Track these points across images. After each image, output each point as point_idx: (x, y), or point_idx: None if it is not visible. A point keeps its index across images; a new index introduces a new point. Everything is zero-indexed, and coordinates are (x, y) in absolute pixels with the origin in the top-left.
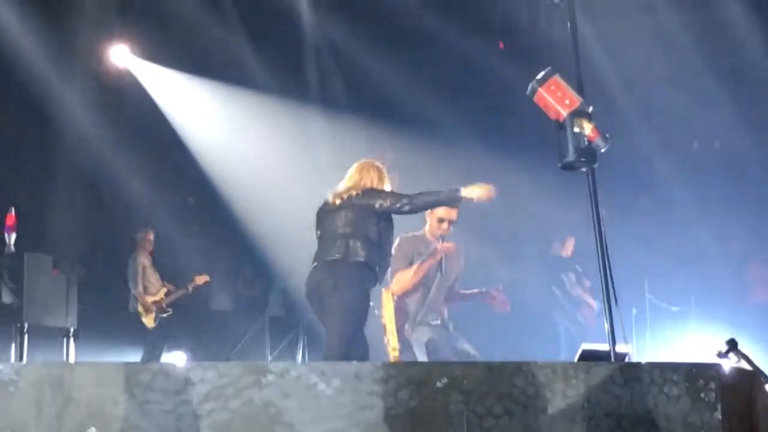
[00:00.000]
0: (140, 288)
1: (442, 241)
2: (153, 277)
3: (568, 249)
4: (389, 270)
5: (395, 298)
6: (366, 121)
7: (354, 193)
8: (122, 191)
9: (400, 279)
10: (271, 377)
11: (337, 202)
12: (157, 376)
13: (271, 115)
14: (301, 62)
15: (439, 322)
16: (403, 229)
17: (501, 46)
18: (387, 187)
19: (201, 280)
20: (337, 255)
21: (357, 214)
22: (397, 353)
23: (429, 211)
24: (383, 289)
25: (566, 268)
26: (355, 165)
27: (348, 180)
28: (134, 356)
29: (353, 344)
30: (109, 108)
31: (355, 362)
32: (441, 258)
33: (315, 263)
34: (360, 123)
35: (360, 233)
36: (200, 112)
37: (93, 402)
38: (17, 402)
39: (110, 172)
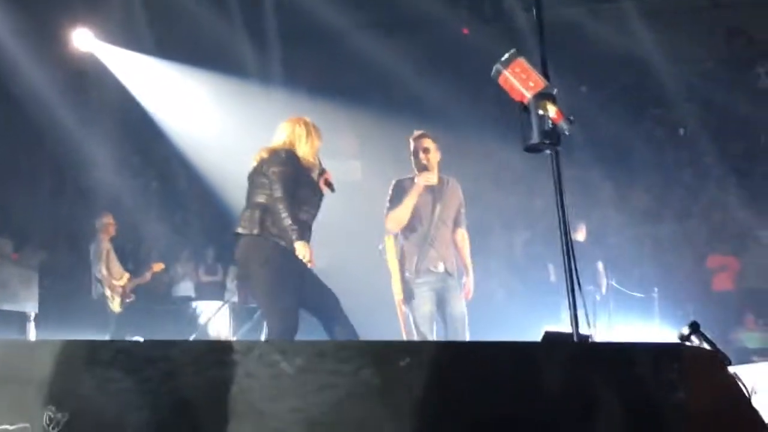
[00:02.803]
0: (104, 271)
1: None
2: (114, 263)
3: (581, 234)
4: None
5: (398, 241)
6: (328, 107)
7: (264, 155)
8: (86, 176)
9: (392, 217)
10: (234, 356)
11: (254, 165)
12: (119, 354)
13: (234, 97)
14: (265, 44)
15: (441, 269)
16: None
17: (465, 32)
18: (314, 144)
19: (157, 267)
20: (239, 228)
21: (263, 181)
22: (400, 296)
23: (412, 149)
24: (386, 236)
25: (586, 255)
26: (283, 123)
27: (275, 140)
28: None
29: (289, 318)
30: (74, 92)
31: (319, 341)
32: (432, 193)
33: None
34: (322, 108)
35: (258, 201)
36: (165, 95)
37: (52, 380)
38: None
39: (74, 156)
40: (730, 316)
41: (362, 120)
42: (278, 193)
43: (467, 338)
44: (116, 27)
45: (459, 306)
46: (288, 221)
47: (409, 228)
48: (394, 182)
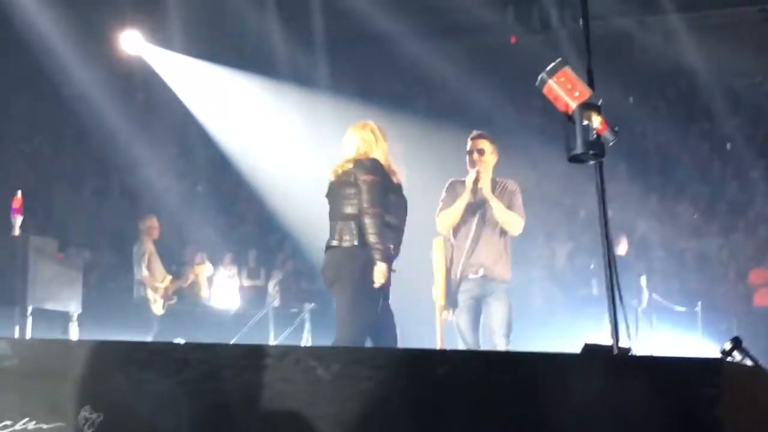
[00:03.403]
0: (146, 273)
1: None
2: (157, 265)
3: (622, 246)
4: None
5: (448, 243)
6: (374, 112)
7: (347, 166)
8: (131, 178)
9: (442, 217)
10: (269, 360)
11: (333, 179)
12: (155, 356)
13: (280, 101)
14: (312, 48)
15: (480, 274)
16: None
17: (513, 41)
18: (384, 148)
19: (198, 269)
20: (334, 242)
21: (349, 191)
22: (441, 302)
23: (468, 148)
24: (434, 238)
25: (629, 268)
26: (349, 131)
27: (346, 151)
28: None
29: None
30: (122, 94)
31: (355, 347)
32: (479, 196)
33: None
34: (368, 113)
35: (351, 212)
36: (211, 98)
37: (88, 380)
38: (11, 378)
39: (120, 157)
40: None
41: (408, 125)
42: (366, 203)
43: (506, 346)
44: (164, 29)
45: (499, 312)
46: (374, 238)
47: (457, 231)
48: (448, 182)
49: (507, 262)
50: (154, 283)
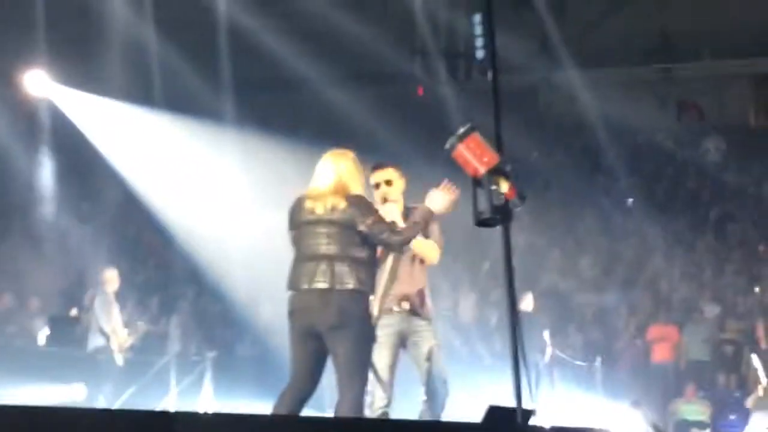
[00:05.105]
0: (113, 325)
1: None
2: (118, 318)
3: (527, 303)
4: None
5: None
6: (282, 150)
7: (337, 204)
8: (32, 219)
9: None
10: (178, 426)
11: (318, 211)
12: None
13: (188, 138)
14: (221, 90)
15: (404, 308)
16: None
17: (420, 91)
18: (361, 184)
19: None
20: (324, 283)
21: (340, 231)
22: None
23: (372, 182)
24: None
25: (536, 326)
26: (328, 159)
27: (325, 179)
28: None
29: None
30: (26, 135)
31: (262, 415)
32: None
33: (299, 286)
34: (274, 152)
35: (345, 254)
36: (117, 136)
37: None
38: None
39: (21, 199)
40: (670, 387)
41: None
42: (361, 247)
43: (444, 384)
44: (71, 69)
45: (428, 350)
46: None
47: (378, 262)
48: None
49: (427, 294)
50: (119, 336)
